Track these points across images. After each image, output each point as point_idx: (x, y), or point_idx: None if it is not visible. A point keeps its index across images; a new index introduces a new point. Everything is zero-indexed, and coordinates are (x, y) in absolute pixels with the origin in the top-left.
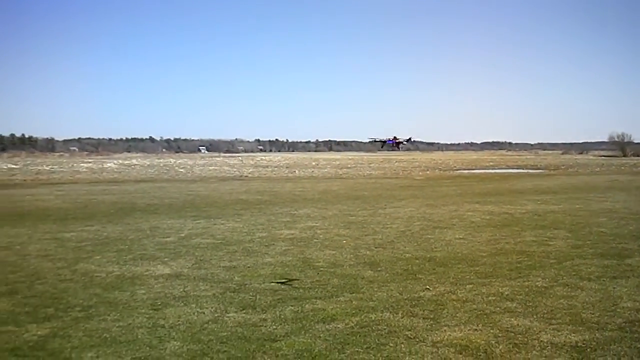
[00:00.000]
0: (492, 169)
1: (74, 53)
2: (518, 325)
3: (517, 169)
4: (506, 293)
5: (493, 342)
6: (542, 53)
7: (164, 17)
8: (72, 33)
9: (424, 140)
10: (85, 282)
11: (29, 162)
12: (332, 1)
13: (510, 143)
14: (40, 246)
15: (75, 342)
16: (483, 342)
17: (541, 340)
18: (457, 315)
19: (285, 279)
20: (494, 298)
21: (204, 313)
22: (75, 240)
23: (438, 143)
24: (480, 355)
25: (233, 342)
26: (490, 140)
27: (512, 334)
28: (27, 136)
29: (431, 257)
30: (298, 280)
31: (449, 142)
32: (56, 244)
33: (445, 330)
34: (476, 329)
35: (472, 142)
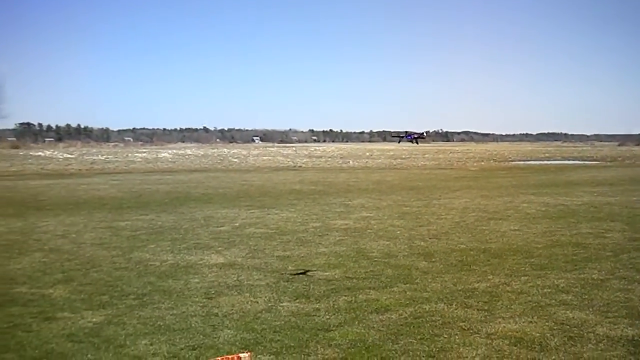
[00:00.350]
0: (548, 160)
1: (130, 45)
2: (573, 318)
3: (573, 160)
4: (562, 285)
5: (548, 334)
6: (598, 42)
7: (219, 7)
8: (128, 26)
9: (479, 131)
10: (139, 270)
11: (84, 152)
12: None
13: (565, 134)
14: (96, 235)
15: (129, 330)
16: (538, 334)
17: (597, 334)
18: (512, 307)
19: (303, 268)
20: (549, 290)
21: (257, 302)
22: (130, 229)
23: (493, 134)
24: (535, 347)
25: (286, 332)
26: (545, 132)
27: (568, 326)
28: (82, 126)
29: (486, 248)
30: (310, 270)
31: (503, 133)
32: (111, 232)
33: (499, 322)
34: (531, 321)
35: (527, 133)
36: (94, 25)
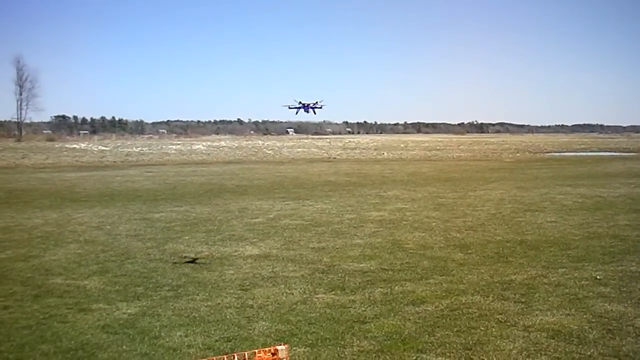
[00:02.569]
0: (584, 151)
1: (165, 38)
2: (612, 310)
3: (609, 152)
4: (599, 277)
5: (586, 327)
6: (635, 30)
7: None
8: (163, 18)
9: (514, 123)
10: (174, 262)
11: (119, 144)
12: None
13: (601, 125)
14: (130, 226)
15: (164, 321)
16: (576, 327)
17: (636, 327)
18: (549, 299)
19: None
20: (587, 282)
21: (292, 294)
22: (165, 220)
23: (528, 125)
24: (573, 340)
25: (322, 323)
26: (581, 123)
27: (606, 319)
28: (117, 119)
29: (522, 240)
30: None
31: (539, 124)
32: (145, 224)
33: (537, 315)
34: (569, 314)
35: (562, 125)
36: (129, 17)
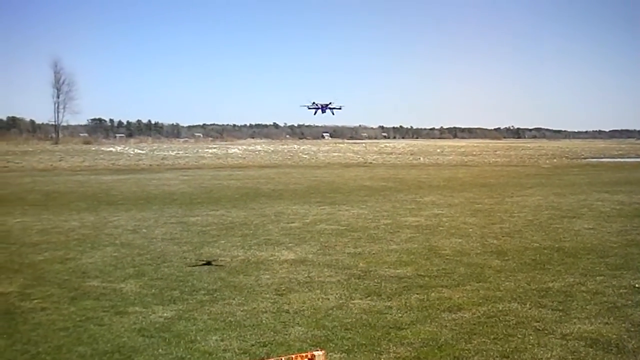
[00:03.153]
0: (621, 157)
1: (200, 42)
2: None
3: None
4: (638, 286)
5: (625, 336)
6: None
7: (290, 3)
8: (198, 23)
9: (551, 128)
10: (210, 266)
11: (155, 147)
12: None
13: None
14: (166, 230)
15: (200, 325)
16: (615, 336)
17: None
18: (587, 307)
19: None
20: (625, 291)
21: (328, 299)
22: (201, 224)
23: (565, 131)
24: (611, 349)
25: (358, 329)
26: (618, 128)
27: None
28: (153, 122)
29: (560, 247)
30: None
31: (576, 130)
32: (182, 227)
33: (575, 323)
34: (607, 322)
35: (600, 130)
36: (166, 22)
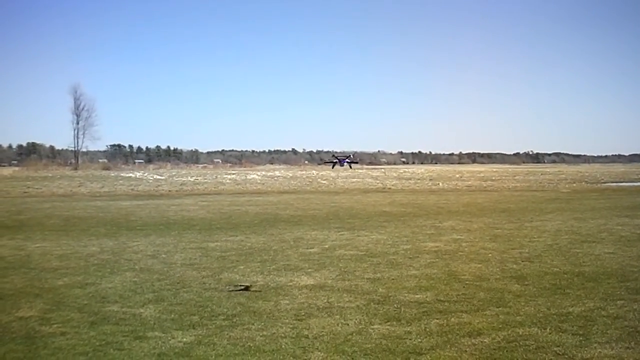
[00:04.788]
0: None
1: (219, 69)
2: None
3: None
4: None
5: None
6: None
7: (310, 29)
8: (214, 51)
9: (570, 153)
10: (229, 291)
11: (174, 173)
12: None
13: None
14: (186, 255)
15: (219, 350)
16: None
17: None
18: (608, 332)
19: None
20: None
21: (347, 324)
22: (220, 250)
23: (584, 155)
24: None
25: (377, 354)
26: (638, 152)
27: None
28: (172, 148)
29: (580, 271)
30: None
31: (595, 154)
32: (201, 253)
33: (595, 348)
34: (628, 347)
35: (619, 154)
36: (185, 49)
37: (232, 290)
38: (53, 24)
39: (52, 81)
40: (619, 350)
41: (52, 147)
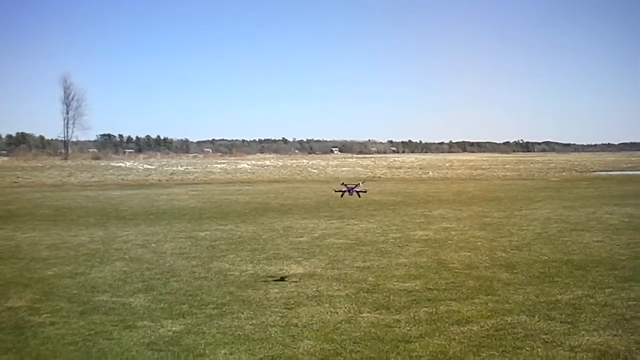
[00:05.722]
0: (631, 170)
1: (209, 58)
2: None
3: None
4: None
5: (634, 348)
6: None
7: (302, 19)
8: (208, 38)
9: (560, 142)
10: (219, 280)
11: (164, 162)
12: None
13: None
14: (175, 244)
15: (209, 339)
16: (623, 348)
17: None
18: (596, 319)
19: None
20: (634, 303)
21: (337, 313)
22: (210, 239)
23: (574, 144)
24: None
25: (366, 343)
26: (628, 141)
27: None
28: (162, 138)
29: (569, 259)
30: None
31: (585, 143)
32: (191, 242)
33: (583, 335)
34: (616, 335)
35: (609, 143)
36: (174, 37)
37: (264, 281)
38: (42, 14)
39: (41, 71)
40: (607, 337)
41: (41, 137)
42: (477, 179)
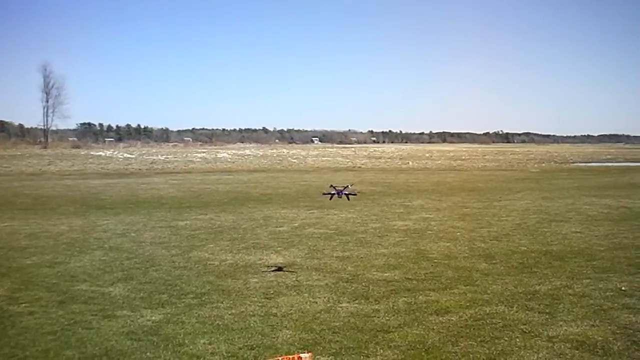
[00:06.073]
0: (610, 162)
1: (189, 46)
2: (637, 322)
3: (636, 162)
4: (624, 289)
5: (611, 338)
6: None
7: (276, 8)
8: (187, 26)
9: (540, 133)
10: (198, 269)
11: (144, 152)
12: None
13: (627, 136)
14: (155, 234)
15: (188, 328)
16: (600, 338)
17: None
18: (574, 310)
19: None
20: (612, 293)
21: (316, 302)
22: (189, 228)
23: (554, 135)
24: (597, 351)
25: (345, 332)
26: (607, 133)
27: (631, 330)
28: (142, 127)
29: (547, 250)
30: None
31: (564, 135)
32: (170, 231)
33: (561, 325)
34: (593, 325)
35: (588, 135)
36: (155, 26)
37: (265, 272)
38: (22, 1)
39: (21, 59)
40: (585, 328)
41: (21, 126)
42: (457, 170)
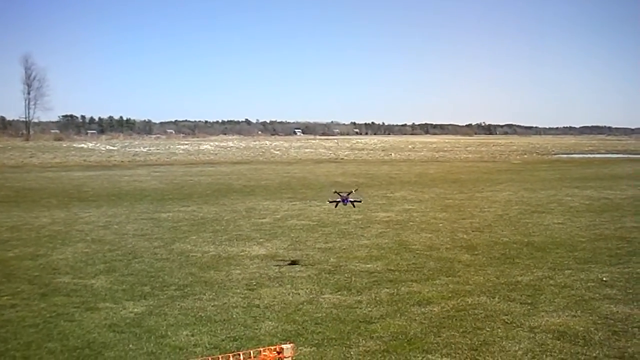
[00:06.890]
0: (591, 153)
1: (172, 37)
2: (618, 312)
3: (617, 154)
4: (606, 279)
5: (592, 328)
6: None
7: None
8: (169, 18)
9: (522, 124)
10: (181, 261)
11: (126, 144)
12: None
13: (609, 128)
14: (138, 226)
15: (171, 320)
16: (582, 328)
17: None
18: (555, 300)
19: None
20: (593, 284)
21: (298, 294)
22: (172, 220)
23: (536, 127)
24: (578, 341)
25: (328, 324)
26: (589, 125)
27: (612, 320)
28: (125, 119)
29: (529, 241)
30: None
31: (547, 126)
32: (153, 223)
33: (543, 316)
34: (574, 315)
35: (570, 126)
36: (137, 16)
37: (277, 266)
38: None
39: (1, 50)
40: (566, 318)
41: (2, 118)
42: (439, 161)
